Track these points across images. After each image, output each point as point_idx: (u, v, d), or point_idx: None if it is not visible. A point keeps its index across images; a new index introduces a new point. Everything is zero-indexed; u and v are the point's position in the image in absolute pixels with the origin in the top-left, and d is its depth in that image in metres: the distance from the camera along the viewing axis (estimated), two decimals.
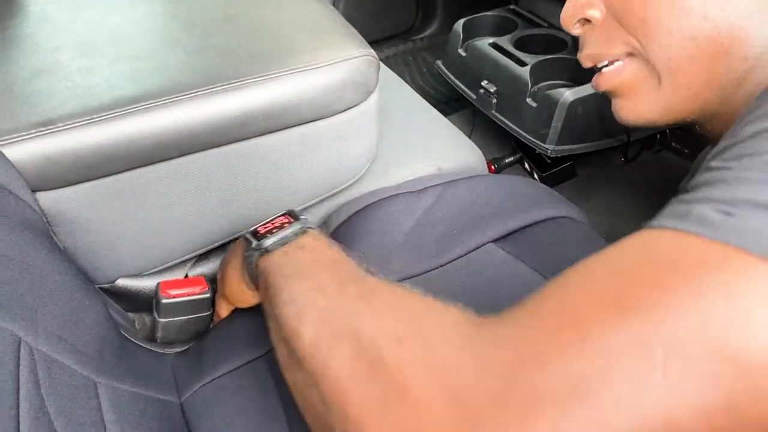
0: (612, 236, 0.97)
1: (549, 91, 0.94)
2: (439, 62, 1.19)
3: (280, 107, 0.64)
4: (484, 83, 1.04)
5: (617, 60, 0.49)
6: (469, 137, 0.95)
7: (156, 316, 0.65)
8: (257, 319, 0.65)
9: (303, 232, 0.51)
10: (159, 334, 0.66)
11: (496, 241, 0.68)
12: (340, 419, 0.34)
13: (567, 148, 0.95)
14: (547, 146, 0.95)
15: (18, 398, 0.42)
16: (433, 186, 0.73)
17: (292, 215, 0.55)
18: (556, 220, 0.70)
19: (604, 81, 0.51)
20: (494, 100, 1.03)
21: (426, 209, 0.70)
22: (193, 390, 0.61)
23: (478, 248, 0.67)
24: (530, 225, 0.69)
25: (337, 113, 0.68)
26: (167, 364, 0.64)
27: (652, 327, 0.29)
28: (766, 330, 0.28)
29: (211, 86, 0.61)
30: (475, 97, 1.08)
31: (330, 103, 0.67)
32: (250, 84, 0.63)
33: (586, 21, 0.50)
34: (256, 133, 0.65)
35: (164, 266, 0.69)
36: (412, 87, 0.95)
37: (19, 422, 0.41)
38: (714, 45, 0.44)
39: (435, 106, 0.91)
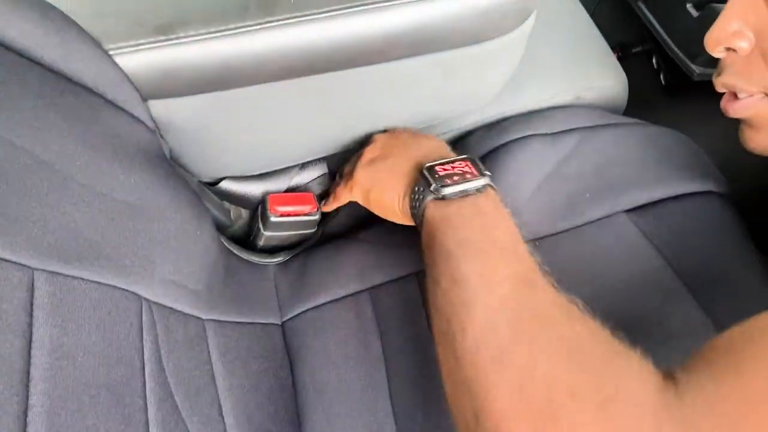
0: (731, 171, 0.90)
1: (716, 5, 0.79)
2: None
3: (428, 33, 0.54)
4: None
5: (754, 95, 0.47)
6: (593, 10, 0.82)
7: (260, 227, 0.63)
8: (365, 251, 0.62)
9: (484, 189, 0.48)
10: (260, 243, 0.64)
11: (628, 211, 0.62)
12: None
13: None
14: (694, 67, 0.83)
15: (144, 379, 0.42)
16: (571, 131, 0.65)
17: (474, 164, 0.50)
18: (700, 197, 0.63)
19: (736, 110, 0.50)
20: None
21: (560, 161, 0.63)
22: (295, 314, 0.60)
23: (607, 217, 0.62)
24: (671, 198, 0.63)
25: (488, 40, 0.58)
26: (269, 279, 0.63)
27: None
28: None
29: (358, 3, 0.51)
30: None
31: (484, 30, 0.56)
32: (397, 5, 0.52)
33: (731, 49, 0.47)
34: (390, 59, 0.56)
35: (270, 170, 0.65)
36: None
37: (147, 410, 0.41)
38: None
39: None
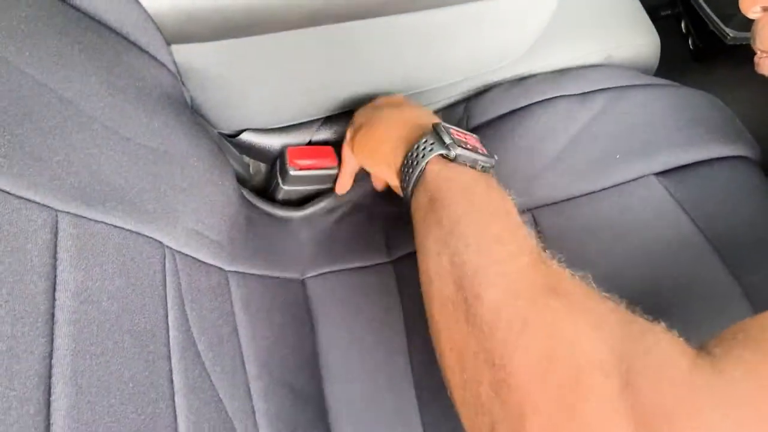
0: (760, 134, 0.88)
1: None
2: None
3: None
4: None
5: None
6: None
7: (279, 181, 0.62)
8: (393, 224, 0.61)
9: (489, 170, 0.46)
10: (279, 197, 0.63)
11: (658, 174, 0.60)
12: (511, 424, 0.32)
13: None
14: (727, 30, 0.80)
15: (168, 326, 0.41)
16: (601, 91, 0.63)
17: (482, 144, 0.49)
18: (730, 162, 0.62)
19: None
20: None
21: (588, 121, 0.61)
22: (318, 272, 0.60)
23: (637, 179, 0.60)
24: (702, 162, 0.61)
25: None
26: (292, 232, 0.62)
27: None
28: None
29: None
30: None
31: None
32: None
33: None
34: (418, 8, 0.54)
35: (291, 124, 0.64)
36: None
37: (170, 358, 0.40)
38: None
39: None
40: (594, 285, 0.39)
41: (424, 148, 0.45)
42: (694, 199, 0.59)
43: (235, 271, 0.52)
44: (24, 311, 0.32)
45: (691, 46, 0.98)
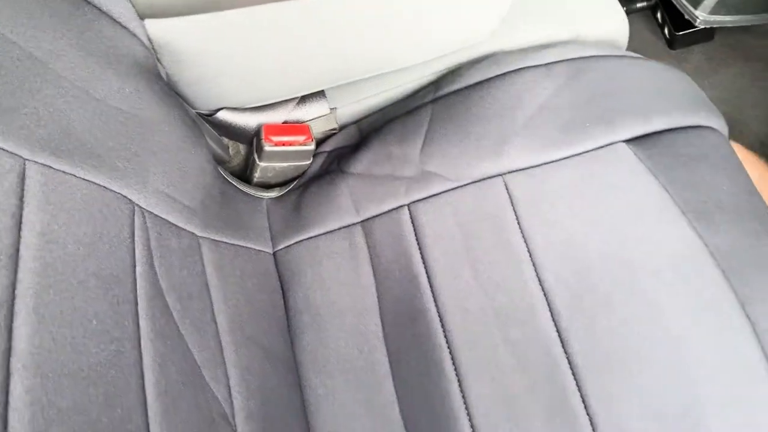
0: (733, 121, 0.89)
1: None
2: None
3: None
4: None
5: None
6: None
7: (255, 158, 0.63)
8: (357, 184, 0.63)
9: None
10: (256, 175, 0.65)
11: (629, 141, 0.61)
12: None
13: (720, 20, 0.83)
14: (697, 13, 0.82)
15: (135, 278, 0.42)
16: (567, 61, 0.65)
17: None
18: (697, 131, 0.63)
19: None
20: None
21: (555, 90, 0.63)
22: (288, 244, 0.61)
23: (607, 146, 0.61)
24: (671, 130, 0.62)
25: None
26: (263, 212, 0.63)
27: None
28: None
29: None
30: None
31: None
32: None
33: None
34: None
35: (267, 103, 0.65)
36: None
37: (137, 303, 0.41)
38: None
39: None
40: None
41: None
42: (664, 165, 0.60)
43: (208, 237, 0.53)
44: None
45: (666, 35, 1.00)
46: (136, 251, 0.43)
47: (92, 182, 0.42)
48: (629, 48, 1.00)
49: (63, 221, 0.38)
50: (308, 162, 0.65)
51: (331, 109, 0.68)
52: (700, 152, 0.62)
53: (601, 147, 0.61)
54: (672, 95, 0.65)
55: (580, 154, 0.61)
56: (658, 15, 1.00)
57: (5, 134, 0.37)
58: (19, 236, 0.35)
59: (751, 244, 0.57)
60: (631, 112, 0.62)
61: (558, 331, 0.54)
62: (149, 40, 0.54)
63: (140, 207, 0.46)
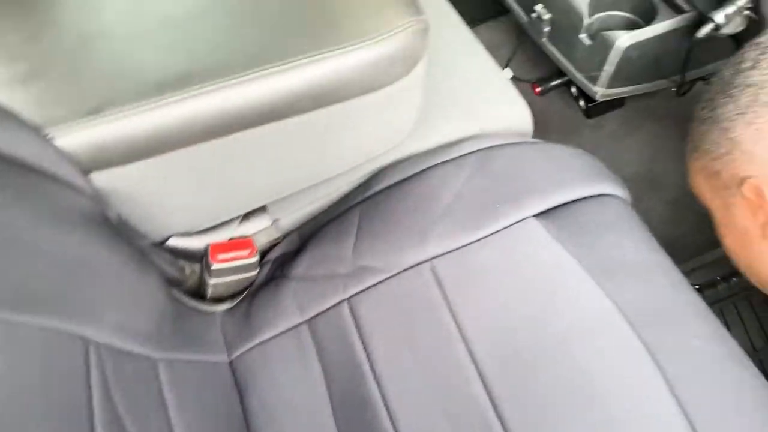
0: (652, 176, 0.97)
1: (604, 32, 0.89)
2: None
3: (327, 87, 0.63)
4: (538, 7, 0.98)
5: None
6: (513, 52, 0.89)
7: (206, 277, 0.70)
8: (300, 286, 0.69)
9: None
10: (209, 292, 0.71)
11: (537, 216, 0.68)
12: None
13: (617, 92, 0.92)
14: (596, 89, 0.92)
15: (92, 408, 0.47)
16: (475, 152, 0.73)
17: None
18: (599, 199, 0.71)
19: None
20: (546, 28, 0.97)
21: (466, 178, 0.71)
22: (241, 351, 0.67)
23: (518, 222, 0.68)
24: (573, 201, 0.70)
25: (384, 87, 0.66)
26: (216, 324, 0.69)
27: None
28: None
29: (260, 69, 0.60)
30: (526, 20, 1.02)
31: (377, 78, 0.65)
32: (298, 66, 0.61)
33: None
34: (300, 112, 0.64)
35: (213, 224, 0.72)
36: None
37: (94, 430, 0.47)
38: None
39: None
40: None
41: None
42: (570, 233, 0.67)
43: (164, 358, 0.59)
44: None
45: (582, 107, 1.10)
46: (92, 382, 0.49)
47: (47, 328, 0.48)
48: (552, 121, 1.10)
49: (16, 365, 0.44)
50: (255, 272, 0.72)
51: (273, 221, 0.75)
52: (603, 218, 0.70)
53: (513, 224, 0.68)
54: (573, 170, 0.73)
55: (495, 232, 0.68)
56: (573, 90, 1.11)
57: None
58: None
59: (655, 296, 0.63)
60: (535, 189, 0.69)
61: (491, 399, 0.59)
62: (96, 190, 0.61)
63: (96, 342, 0.51)
